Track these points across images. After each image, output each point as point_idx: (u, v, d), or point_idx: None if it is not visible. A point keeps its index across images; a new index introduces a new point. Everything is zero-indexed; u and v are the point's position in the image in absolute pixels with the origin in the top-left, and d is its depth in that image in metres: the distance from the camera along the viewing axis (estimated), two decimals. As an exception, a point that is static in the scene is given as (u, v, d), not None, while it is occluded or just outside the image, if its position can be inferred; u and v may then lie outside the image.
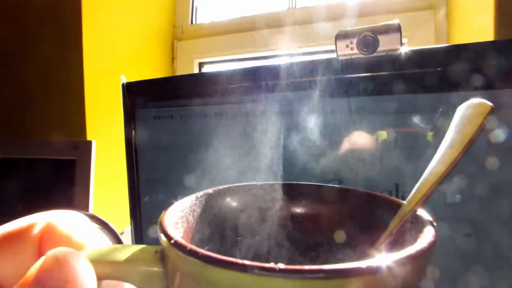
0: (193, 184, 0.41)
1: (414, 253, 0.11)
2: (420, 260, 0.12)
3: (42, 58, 0.73)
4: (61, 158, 0.53)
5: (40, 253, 0.15)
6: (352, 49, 0.29)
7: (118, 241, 0.44)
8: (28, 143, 0.56)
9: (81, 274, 0.13)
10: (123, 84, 0.46)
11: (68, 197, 0.51)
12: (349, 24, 0.31)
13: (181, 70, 0.94)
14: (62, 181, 0.53)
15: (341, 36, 0.30)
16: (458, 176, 0.28)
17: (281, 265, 0.10)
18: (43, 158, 0.53)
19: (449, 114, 0.29)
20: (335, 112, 0.33)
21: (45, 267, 0.13)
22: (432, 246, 0.12)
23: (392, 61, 0.28)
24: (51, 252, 0.13)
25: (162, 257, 0.14)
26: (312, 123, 0.35)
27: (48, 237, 0.15)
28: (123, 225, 0.57)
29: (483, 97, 0.14)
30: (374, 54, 0.29)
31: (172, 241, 0.12)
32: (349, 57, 0.30)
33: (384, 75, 0.29)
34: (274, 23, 0.84)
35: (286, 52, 0.85)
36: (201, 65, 0.94)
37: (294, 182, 0.20)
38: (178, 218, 0.16)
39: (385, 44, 0.29)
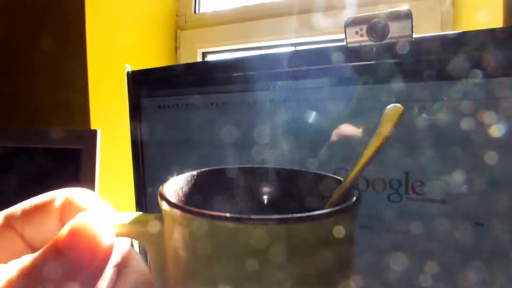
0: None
1: (341, 207, 0.16)
2: (345, 212, 0.16)
3: (45, 47, 0.73)
4: (66, 147, 0.53)
5: (61, 222, 0.18)
6: (362, 36, 0.29)
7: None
8: (32, 132, 0.55)
9: (105, 231, 0.16)
10: (128, 73, 0.45)
11: (73, 186, 0.51)
12: (354, 13, 0.31)
13: (184, 60, 0.93)
14: (67, 171, 0.53)
15: (351, 23, 0.29)
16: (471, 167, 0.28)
17: (252, 216, 0.14)
18: (48, 147, 0.53)
19: (460, 101, 0.28)
20: (344, 100, 0.33)
21: (76, 226, 0.15)
22: (355, 204, 0.17)
23: (404, 48, 0.28)
24: (80, 215, 0.16)
25: (161, 221, 0.18)
26: (320, 111, 0.34)
27: (68, 209, 0.18)
28: (129, 215, 0.57)
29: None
30: (385, 41, 0.28)
31: (173, 204, 0.16)
32: (358, 44, 0.30)
33: (394, 62, 0.29)
34: (278, 12, 0.83)
35: (290, 41, 0.84)
36: (204, 54, 0.94)
37: (263, 166, 0.25)
38: (172, 192, 0.20)
39: (396, 31, 0.28)
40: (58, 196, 0.19)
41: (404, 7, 0.29)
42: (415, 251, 0.31)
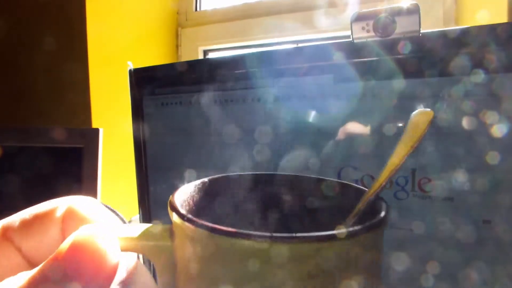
0: (202, 171, 0.41)
1: (368, 224, 0.15)
2: (373, 230, 0.15)
3: (46, 46, 0.73)
4: (68, 146, 0.52)
5: (63, 234, 0.17)
6: (368, 31, 0.28)
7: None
8: (34, 131, 0.55)
9: (110, 246, 0.14)
10: (130, 71, 0.45)
11: (76, 185, 0.50)
12: (359, 9, 0.31)
13: (185, 58, 0.93)
14: (69, 169, 0.52)
15: (357, 18, 0.29)
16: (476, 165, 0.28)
17: (275, 234, 0.13)
18: (50, 146, 0.53)
19: (471, 97, 0.28)
20: (349, 97, 0.32)
21: (78, 240, 0.14)
22: (384, 220, 0.16)
23: (411, 43, 0.27)
24: (83, 228, 0.15)
25: (171, 234, 0.17)
26: (325, 108, 0.34)
27: (70, 219, 0.17)
28: (131, 214, 0.57)
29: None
30: (391, 37, 0.28)
31: (186, 218, 0.15)
32: (365, 40, 0.29)
33: (402, 58, 0.28)
34: (279, 9, 0.83)
35: (292, 39, 0.84)
36: (205, 52, 0.93)
37: (280, 173, 0.24)
38: (183, 201, 0.19)
39: (403, 26, 0.28)
40: (60, 205, 0.17)
41: (412, 2, 0.29)
42: (421, 249, 0.31)
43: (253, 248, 0.13)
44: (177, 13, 0.94)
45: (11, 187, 0.49)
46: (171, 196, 0.18)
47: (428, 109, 0.17)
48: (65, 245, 0.14)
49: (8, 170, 0.52)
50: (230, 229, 0.14)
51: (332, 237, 0.13)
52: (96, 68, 0.73)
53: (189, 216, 0.15)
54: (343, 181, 0.21)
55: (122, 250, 0.16)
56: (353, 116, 0.32)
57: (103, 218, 0.18)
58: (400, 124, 0.30)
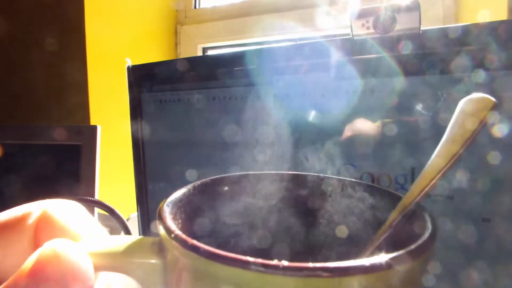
0: (200, 168, 0.40)
1: (414, 249, 0.11)
2: (420, 256, 0.11)
3: (44, 43, 0.72)
4: (66, 143, 0.52)
5: (36, 243, 0.15)
6: (368, 28, 0.28)
7: (125, 227, 0.44)
8: (32, 128, 0.55)
9: (79, 266, 0.13)
10: (128, 67, 0.45)
11: (74, 183, 0.50)
12: (359, 5, 0.30)
13: (184, 56, 0.93)
14: (67, 167, 0.52)
15: (357, 15, 0.29)
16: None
17: (285, 262, 0.10)
18: (47, 144, 0.53)
19: (467, 95, 0.28)
20: (349, 94, 0.32)
21: (41, 260, 0.12)
22: (432, 242, 0.12)
23: (411, 40, 0.27)
24: (48, 244, 0.13)
25: (160, 249, 0.13)
26: (325, 105, 0.34)
27: (44, 227, 0.15)
28: (130, 211, 0.57)
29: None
30: (391, 34, 0.28)
31: (173, 235, 0.12)
32: (364, 37, 0.29)
33: (402, 55, 0.28)
34: (279, 7, 0.82)
35: (292, 37, 0.83)
36: (204, 50, 0.93)
37: (292, 172, 0.20)
38: (176, 209, 0.16)
39: (403, 23, 0.27)
40: (33, 210, 0.15)
41: (411, -1, 0.28)
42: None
43: (263, 280, 0.10)
44: (176, 10, 0.94)
45: (9, 184, 0.49)
46: (160, 204, 0.15)
47: (487, 95, 0.13)
48: (28, 263, 0.12)
49: (5, 168, 0.52)
50: (229, 254, 0.11)
51: (364, 269, 0.10)
52: (94, 66, 0.73)
53: (178, 232, 0.12)
54: (371, 183, 0.17)
55: (101, 269, 0.14)
56: (352, 113, 0.32)
57: (82, 226, 0.15)
58: (402, 119, 0.30)
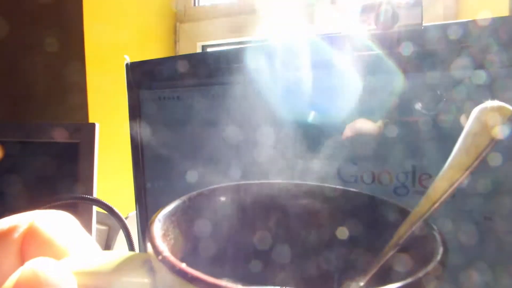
0: (200, 167, 0.40)
1: (423, 276, 0.11)
2: (431, 282, 0.11)
3: (43, 41, 0.72)
4: (64, 141, 0.52)
5: (22, 258, 0.14)
6: (369, 24, 0.28)
7: (123, 225, 0.43)
8: (30, 126, 0.54)
9: (63, 284, 0.12)
10: (127, 64, 0.44)
11: (72, 181, 0.50)
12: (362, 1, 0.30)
13: (183, 53, 0.92)
14: (65, 165, 0.52)
15: (359, 11, 0.28)
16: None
17: None
18: (45, 142, 0.52)
19: (473, 92, 0.27)
20: (350, 91, 0.32)
21: (20, 282, 0.12)
22: (443, 264, 0.12)
23: (413, 36, 0.27)
24: (28, 264, 0.12)
25: (151, 268, 0.13)
26: (324, 103, 0.33)
27: (31, 241, 0.14)
28: (128, 210, 0.56)
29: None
30: (393, 30, 0.28)
31: (160, 257, 0.12)
32: (366, 33, 0.29)
33: (403, 51, 0.28)
34: (279, 5, 0.82)
35: (291, 35, 0.83)
36: (204, 48, 0.93)
37: (294, 182, 0.19)
38: (169, 223, 0.15)
39: (405, 19, 0.27)
40: (21, 223, 0.15)
41: (413, -5, 0.28)
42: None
43: None
44: (176, 8, 0.94)
45: (6, 182, 0.48)
46: (150, 220, 0.14)
47: (504, 104, 0.12)
48: (7, 284, 0.12)
49: (2, 166, 0.52)
50: (220, 282, 0.10)
51: None
52: (93, 64, 0.73)
53: (166, 254, 0.12)
54: (376, 195, 0.16)
55: None
56: (353, 111, 0.32)
57: (70, 240, 0.15)
58: (403, 117, 0.30)
